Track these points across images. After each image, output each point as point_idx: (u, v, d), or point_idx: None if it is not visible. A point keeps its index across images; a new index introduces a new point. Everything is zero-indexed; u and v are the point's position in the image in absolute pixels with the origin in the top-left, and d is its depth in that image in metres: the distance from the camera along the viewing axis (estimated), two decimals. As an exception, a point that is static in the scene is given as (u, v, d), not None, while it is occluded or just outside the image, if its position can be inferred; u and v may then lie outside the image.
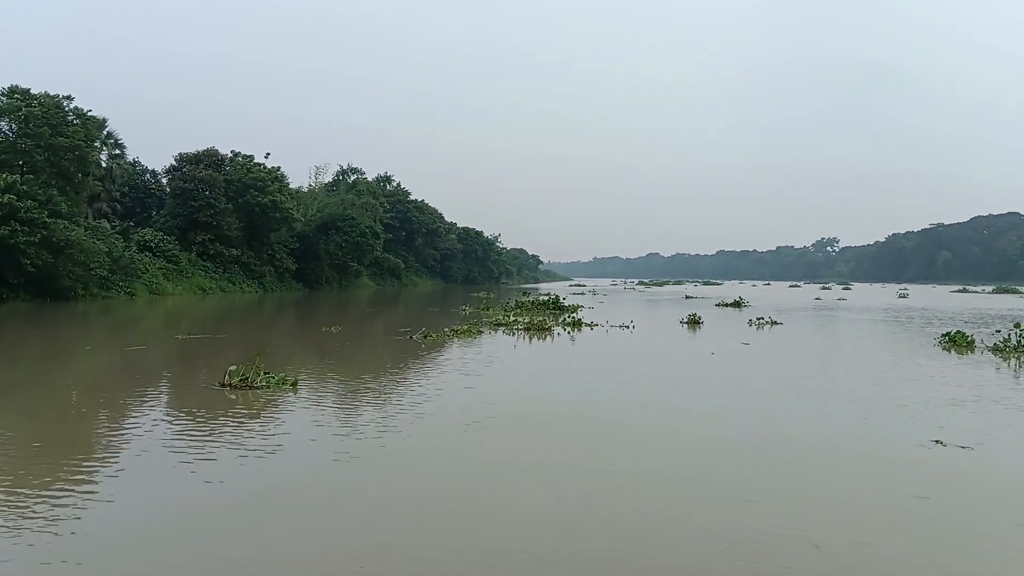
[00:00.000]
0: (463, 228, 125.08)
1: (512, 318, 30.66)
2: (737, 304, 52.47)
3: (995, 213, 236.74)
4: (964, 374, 17.99)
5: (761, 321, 34.34)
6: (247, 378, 13.78)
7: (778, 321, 35.02)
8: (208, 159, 64.31)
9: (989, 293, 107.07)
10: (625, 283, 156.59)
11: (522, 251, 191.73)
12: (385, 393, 14.00)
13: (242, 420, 11.16)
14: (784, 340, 27.53)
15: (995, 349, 22.81)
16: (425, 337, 23.98)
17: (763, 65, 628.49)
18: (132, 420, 11.33)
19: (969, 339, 24.43)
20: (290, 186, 79.32)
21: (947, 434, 10.78)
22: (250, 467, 8.70)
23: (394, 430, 10.62)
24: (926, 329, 34.34)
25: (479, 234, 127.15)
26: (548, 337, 26.35)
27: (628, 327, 29.89)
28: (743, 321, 36.17)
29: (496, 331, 28.06)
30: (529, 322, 28.77)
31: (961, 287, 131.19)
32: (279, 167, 68.65)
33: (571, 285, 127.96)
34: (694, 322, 33.27)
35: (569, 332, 28.56)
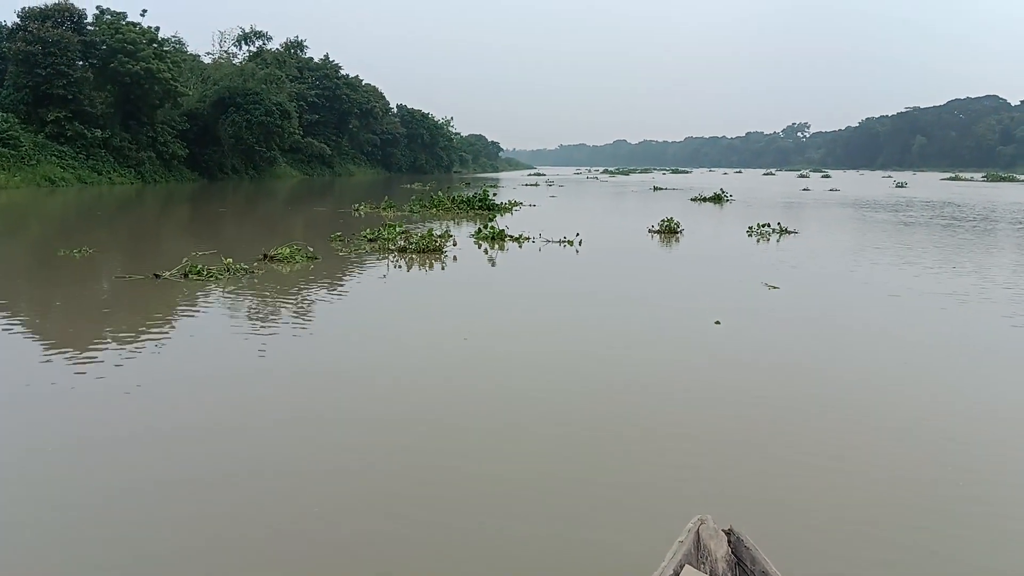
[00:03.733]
0: (407, 110, 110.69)
1: (391, 233, 19.59)
2: (718, 199, 42.06)
3: (973, 96, 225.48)
4: None
5: (766, 229, 23.78)
6: None
7: (789, 229, 24.44)
8: (59, 15, 50.66)
9: (982, 181, 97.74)
10: (588, 172, 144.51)
11: (480, 137, 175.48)
12: None
13: None
14: (830, 272, 17.13)
15: None
16: (188, 275, 13.07)
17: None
18: None
19: None
20: (188, 54, 65.90)
21: None
22: None
23: None
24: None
25: (425, 116, 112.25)
26: (439, 263, 15.84)
27: (571, 243, 19.35)
28: (733, 224, 25.89)
29: (359, 254, 17.32)
30: (407, 241, 17.93)
31: (952, 175, 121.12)
32: (158, 27, 54.99)
33: (529, 175, 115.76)
34: (670, 231, 22.81)
35: (486, 250, 18.13)
